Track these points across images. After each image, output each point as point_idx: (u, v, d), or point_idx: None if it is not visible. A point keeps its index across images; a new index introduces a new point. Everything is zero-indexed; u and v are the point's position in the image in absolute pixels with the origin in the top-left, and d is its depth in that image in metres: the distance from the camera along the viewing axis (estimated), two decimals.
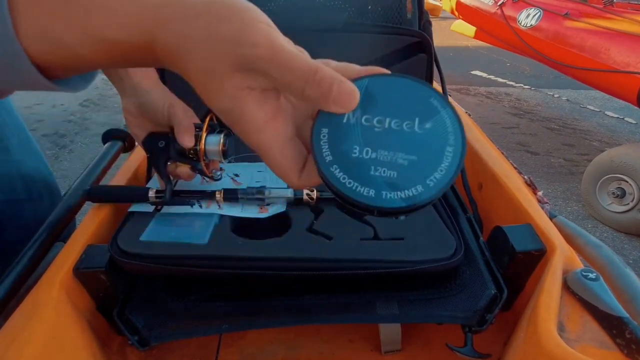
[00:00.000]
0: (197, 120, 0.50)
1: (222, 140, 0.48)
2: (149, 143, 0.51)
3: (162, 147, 0.50)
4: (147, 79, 0.50)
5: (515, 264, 0.47)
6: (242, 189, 0.55)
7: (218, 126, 0.51)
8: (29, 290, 0.42)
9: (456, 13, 3.12)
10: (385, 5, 0.73)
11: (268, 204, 0.55)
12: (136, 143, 0.65)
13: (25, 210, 0.62)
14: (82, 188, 0.59)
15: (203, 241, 0.47)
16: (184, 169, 0.51)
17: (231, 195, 0.54)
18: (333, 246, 0.48)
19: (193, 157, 0.50)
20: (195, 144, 0.48)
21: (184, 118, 0.48)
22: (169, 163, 0.51)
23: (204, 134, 0.48)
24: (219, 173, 0.54)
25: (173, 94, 0.51)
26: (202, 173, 0.52)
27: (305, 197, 0.55)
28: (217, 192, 0.53)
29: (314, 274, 0.46)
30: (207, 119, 0.50)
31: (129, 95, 0.50)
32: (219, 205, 0.54)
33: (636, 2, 2.28)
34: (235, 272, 0.46)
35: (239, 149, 0.65)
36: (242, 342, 0.52)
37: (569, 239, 0.51)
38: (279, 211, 0.54)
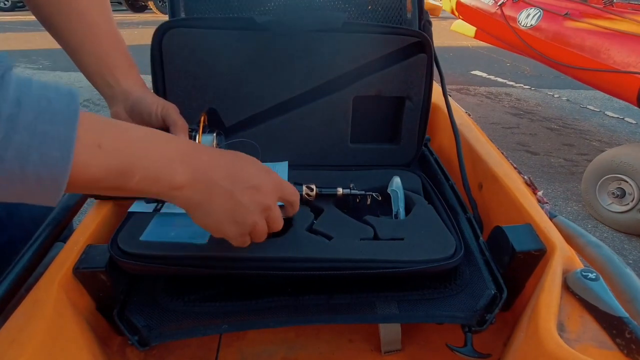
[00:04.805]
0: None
1: (215, 140, 0.51)
2: None
3: None
4: (137, 85, 0.52)
5: (515, 264, 0.47)
6: None
7: (208, 127, 0.53)
8: (29, 290, 0.42)
9: (456, 13, 3.11)
10: (385, 5, 0.73)
11: None
12: None
13: (21, 210, 0.62)
14: None
15: (203, 241, 0.47)
16: None
17: None
18: (333, 246, 0.48)
19: None
20: None
21: (178, 118, 0.50)
22: None
23: (200, 133, 0.51)
24: None
25: (162, 98, 0.53)
26: None
27: (304, 194, 0.55)
28: None
29: (313, 274, 0.46)
30: (202, 119, 0.51)
31: (120, 101, 0.51)
32: None
33: (636, 2, 2.28)
34: (235, 272, 0.46)
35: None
36: (242, 342, 0.52)
37: (569, 239, 0.51)
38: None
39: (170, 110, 0.50)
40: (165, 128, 0.50)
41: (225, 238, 0.39)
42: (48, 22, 0.49)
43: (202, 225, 0.38)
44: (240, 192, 0.37)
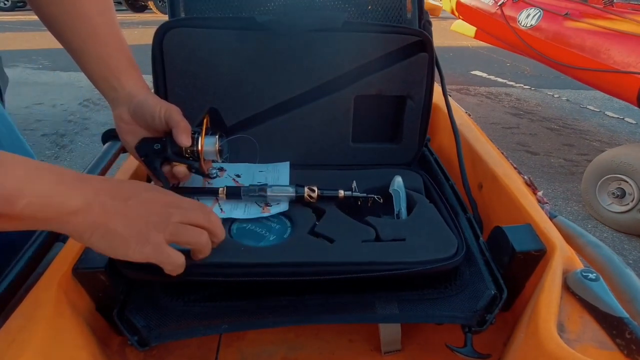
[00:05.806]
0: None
1: (217, 141, 0.51)
2: (144, 147, 0.52)
3: (157, 150, 0.51)
4: (139, 87, 0.52)
5: (515, 264, 0.47)
6: (245, 187, 0.55)
7: (211, 129, 0.53)
8: (28, 290, 0.42)
9: (456, 13, 3.11)
10: (385, 5, 0.73)
11: (270, 205, 0.55)
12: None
13: None
14: None
15: None
16: (180, 168, 0.52)
17: (233, 191, 0.54)
18: (334, 249, 0.48)
19: (189, 157, 0.52)
20: (193, 145, 0.50)
21: (181, 120, 0.50)
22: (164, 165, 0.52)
23: (202, 135, 0.51)
24: (214, 171, 0.57)
25: (163, 98, 0.53)
26: (198, 172, 0.53)
27: (306, 196, 0.55)
28: (220, 190, 0.54)
29: (315, 279, 0.45)
30: (204, 121, 0.52)
31: (123, 104, 0.51)
32: (221, 209, 0.54)
33: (636, 2, 2.28)
34: (237, 279, 0.46)
35: (232, 152, 0.65)
36: (242, 342, 0.52)
37: (569, 239, 0.51)
38: (281, 210, 0.54)
39: (173, 112, 0.50)
40: (168, 130, 0.50)
41: (140, 261, 0.38)
42: (51, 23, 0.48)
43: (106, 251, 0.38)
44: (135, 205, 0.38)
